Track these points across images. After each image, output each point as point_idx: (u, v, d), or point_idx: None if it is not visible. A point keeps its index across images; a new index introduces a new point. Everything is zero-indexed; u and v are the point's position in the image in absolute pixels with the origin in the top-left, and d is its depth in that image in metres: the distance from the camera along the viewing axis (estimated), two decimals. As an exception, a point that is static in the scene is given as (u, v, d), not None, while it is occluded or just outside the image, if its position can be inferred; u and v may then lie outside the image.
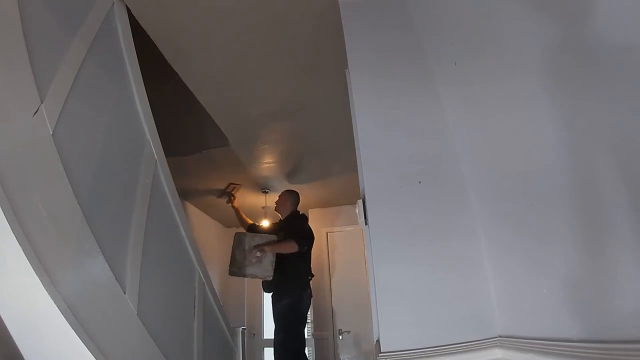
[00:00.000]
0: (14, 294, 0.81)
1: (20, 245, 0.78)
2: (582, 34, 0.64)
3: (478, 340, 0.96)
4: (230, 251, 2.68)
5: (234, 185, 3.65)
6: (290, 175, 3.71)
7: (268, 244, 2.63)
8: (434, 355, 0.96)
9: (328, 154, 3.27)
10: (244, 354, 2.30)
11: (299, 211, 3.14)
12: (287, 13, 1.79)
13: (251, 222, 3.39)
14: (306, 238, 2.79)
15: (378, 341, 1.05)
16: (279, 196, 3.12)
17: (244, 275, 2.63)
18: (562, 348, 0.72)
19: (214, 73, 2.17)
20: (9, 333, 0.81)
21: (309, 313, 4.29)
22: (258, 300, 4.89)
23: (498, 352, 0.93)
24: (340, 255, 4.39)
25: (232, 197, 3.68)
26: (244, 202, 4.29)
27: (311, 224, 4.55)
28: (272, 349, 2.72)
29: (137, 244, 1.26)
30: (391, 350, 0.99)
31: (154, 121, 1.59)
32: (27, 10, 1.00)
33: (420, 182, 1.15)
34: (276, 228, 3.06)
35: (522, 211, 0.90)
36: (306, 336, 4.07)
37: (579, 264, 0.71)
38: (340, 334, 4.09)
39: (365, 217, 1.17)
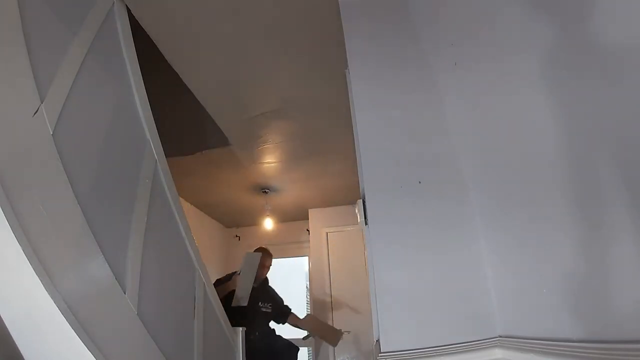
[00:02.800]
0: (14, 294, 0.81)
1: (20, 245, 0.78)
2: (582, 32, 0.64)
3: (478, 340, 0.96)
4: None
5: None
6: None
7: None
8: (434, 355, 0.96)
9: (328, 154, 3.27)
10: (244, 354, 2.30)
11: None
12: (287, 13, 1.80)
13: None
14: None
15: (378, 341, 1.05)
16: (267, 258, 2.83)
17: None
18: (562, 348, 0.72)
19: (214, 73, 2.17)
20: (9, 333, 0.81)
21: (309, 312, 4.33)
22: (258, 300, 4.89)
23: (498, 352, 0.93)
24: (340, 255, 4.39)
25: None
26: (244, 202, 4.30)
27: (311, 223, 4.60)
28: None
29: (137, 244, 1.26)
30: (391, 350, 0.99)
31: (154, 121, 1.59)
32: (27, 10, 1.00)
33: (420, 182, 1.15)
34: (260, 293, 2.83)
35: (523, 211, 0.90)
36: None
37: (580, 264, 0.71)
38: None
39: (365, 217, 1.16)
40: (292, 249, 5.07)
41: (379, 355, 0.98)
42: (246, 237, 5.20)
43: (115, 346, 1.00)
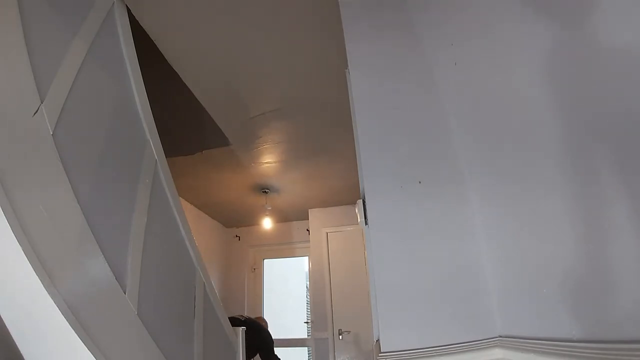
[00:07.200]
0: (14, 294, 0.81)
1: (20, 245, 0.78)
2: (582, 30, 0.64)
3: (478, 340, 0.96)
4: None
5: None
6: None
7: None
8: (434, 355, 0.96)
9: (328, 154, 3.27)
10: (244, 354, 2.30)
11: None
12: (287, 13, 1.80)
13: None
14: None
15: (378, 341, 1.05)
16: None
17: None
18: (562, 348, 0.72)
19: (214, 73, 2.17)
20: (9, 333, 0.81)
21: (309, 312, 4.33)
22: (258, 300, 4.89)
23: (498, 352, 0.93)
24: (340, 255, 4.39)
25: None
26: (244, 202, 4.30)
27: (311, 223, 4.60)
28: None
29: (137, 244, 1.26)
30: (391, 350, 0.99)
31: (154, 121, 1.59)
32: (27, 10, 1.00)
33: (420, 182, 1.15)
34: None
35: (524, 211, 0.90)
36: (306, 336, 4.11)
37: (580, 264, 0.71)
38: (340, 334, 4.09)
39: (365, 217, 1.16)
40: (292, 249, 5.08)
41: (379, 355, 0.98)
42: (246, 237, 5.21)
43: (115, 346, 1.00)
